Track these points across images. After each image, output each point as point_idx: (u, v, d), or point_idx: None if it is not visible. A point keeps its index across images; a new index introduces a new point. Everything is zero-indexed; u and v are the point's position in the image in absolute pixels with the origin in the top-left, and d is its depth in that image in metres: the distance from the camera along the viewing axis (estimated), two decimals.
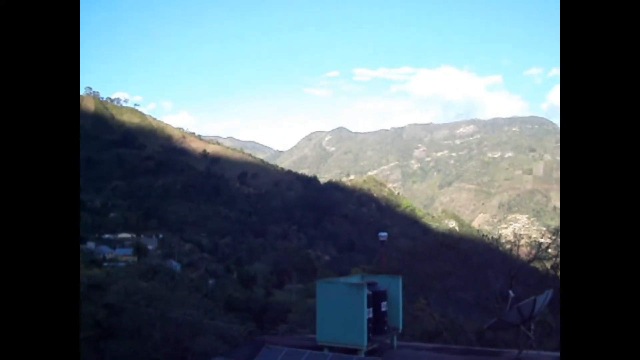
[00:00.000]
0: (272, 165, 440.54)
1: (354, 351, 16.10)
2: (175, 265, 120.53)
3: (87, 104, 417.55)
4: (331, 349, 16.59)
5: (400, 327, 19.02)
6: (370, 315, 16.79)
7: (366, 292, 16.66)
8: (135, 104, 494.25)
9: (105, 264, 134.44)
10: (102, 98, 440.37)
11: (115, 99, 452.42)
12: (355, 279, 20.22)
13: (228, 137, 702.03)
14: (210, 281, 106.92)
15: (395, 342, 18.88)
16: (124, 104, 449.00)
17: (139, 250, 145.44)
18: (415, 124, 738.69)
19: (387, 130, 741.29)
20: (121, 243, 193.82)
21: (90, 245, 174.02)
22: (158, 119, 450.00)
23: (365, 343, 16.31)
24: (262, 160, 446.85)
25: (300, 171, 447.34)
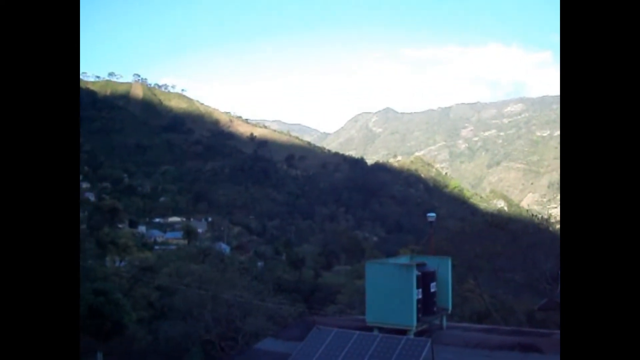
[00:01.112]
0: (319, 148, 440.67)
1: (403, 332, 16.14)
2: (224, 248, 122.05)
3: (136, 91, 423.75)
4: (381, 329, 16.67)
5: (450, 308, 19.01)
6: (420, 296, 16.81)
7: (415, 273, 16.67)
8: (183, 90, 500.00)
9: (156, 247, 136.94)
10: (150, 84, 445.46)
11: (162, 85, 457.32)
12: (404, 260, 20.22)
13: (275, 120, 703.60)
14: (259, 263, 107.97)
15: (445, 323, 18.88)
16: (172, 90, 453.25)
17: (189, 233, 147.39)
18: (462, 104, 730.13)
19: (433, 110, 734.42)
20: (171, 226, 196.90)
21: (142, 229, 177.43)
22: (205, 103, 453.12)
23: (415, 324, 16.36)
24: (308, 143, 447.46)
25: (347, 153, 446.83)
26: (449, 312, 19.09)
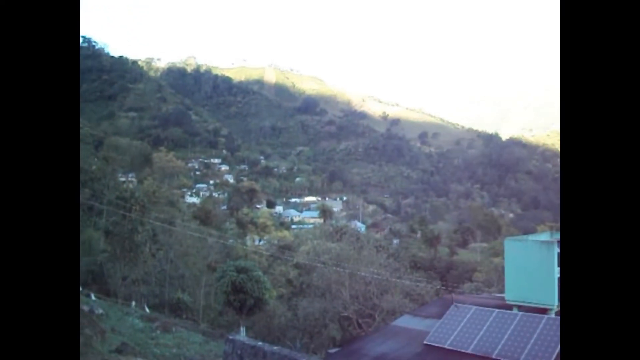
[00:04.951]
0: (452, 124, 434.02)
1: (544, 311, 15.78)
2: (360, 226, 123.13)
3: (269, 75, 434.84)
4: (520, 308, 16.40)
5: None
6: None
7: (556, 250, 16.22)
8: (314, 71, 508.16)
9: (293, 226, 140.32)
10: (282, 68, 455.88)
11: (294, 68, 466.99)
12: (544, 236, 19.70)
13: (406, 98, 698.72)
14: (395, 241, 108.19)
15: None
16: (303, 73, 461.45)
17: (325, 212, 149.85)
18: None
19: None
20: (307, 206, 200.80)
21: (279, 208, 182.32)
22: (337, 84, 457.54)
23: (556, 303, 15.94)
24: (441, 119, 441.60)
25: (481, 128, 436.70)
26: None
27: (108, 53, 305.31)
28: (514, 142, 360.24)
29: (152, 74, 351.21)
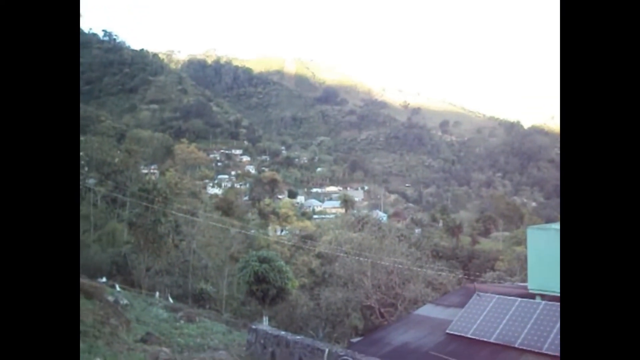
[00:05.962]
0: (473, 112, 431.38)
1: None
2: (381, 215, 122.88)
3: (289, 66, 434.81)
4: (543, 297, 16.34)
5: None
6: None
7: None
8: (334, 61, 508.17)
9: (315, 216, 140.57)
10: (302, 59, 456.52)
11: (314, 58, 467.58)
12: None
13: (427, 87, 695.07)
14: (416, 230, 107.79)
15: None
16: (323, 63, 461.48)
17: (346, 202, 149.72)
18: None
19: None
20: (329, 196, 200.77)
21: (300, 199, 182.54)
22: (357, 74, 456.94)
23: None
24: (462, 108, 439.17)
25: (502, 116, 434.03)
26: None
27: (129, 46, 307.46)
28: (536, 130, 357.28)
29: (172, 66, 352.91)
